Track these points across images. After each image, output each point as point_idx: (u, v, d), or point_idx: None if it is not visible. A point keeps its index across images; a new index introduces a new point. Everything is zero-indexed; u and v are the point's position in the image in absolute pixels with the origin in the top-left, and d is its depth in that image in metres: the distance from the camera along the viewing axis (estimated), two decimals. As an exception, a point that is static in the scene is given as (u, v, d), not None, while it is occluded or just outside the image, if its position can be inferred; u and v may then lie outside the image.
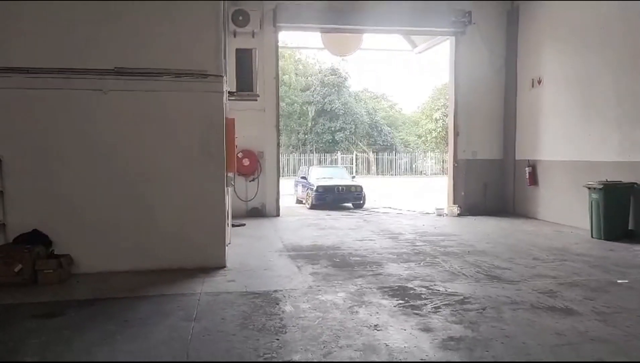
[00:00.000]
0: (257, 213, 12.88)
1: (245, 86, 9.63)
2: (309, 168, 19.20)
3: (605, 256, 7.85)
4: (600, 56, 10.26)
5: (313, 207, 15.41)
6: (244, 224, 11.14)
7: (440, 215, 13.31)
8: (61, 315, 5.02)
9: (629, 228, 9.30)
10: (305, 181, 16.85)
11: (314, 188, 15.61)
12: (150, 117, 6.85)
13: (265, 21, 12.49)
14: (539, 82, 12.29)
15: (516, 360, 3.94)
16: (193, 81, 6.85)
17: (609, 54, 10.03)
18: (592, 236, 9.49)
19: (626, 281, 6.32)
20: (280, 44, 13.49)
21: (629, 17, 9.48)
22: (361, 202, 15.97)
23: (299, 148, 41.36)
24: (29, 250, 6.15)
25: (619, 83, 9.77)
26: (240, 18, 12.03)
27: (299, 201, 17.39)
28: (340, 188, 15.75)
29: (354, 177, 18.80)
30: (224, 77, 7.29)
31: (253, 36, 12.27)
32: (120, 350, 4.11)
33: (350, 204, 16.03)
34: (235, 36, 11.98)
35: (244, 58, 9.68)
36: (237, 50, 9.78)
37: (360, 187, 16.07)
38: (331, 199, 15.51)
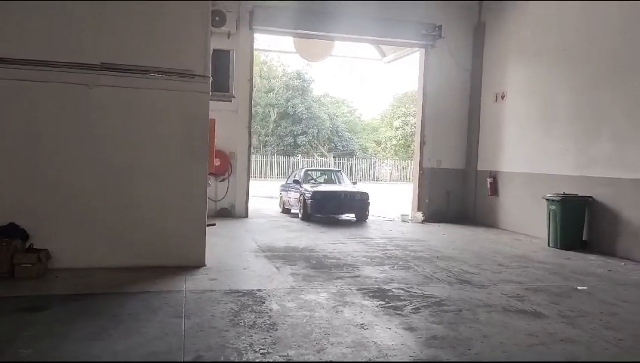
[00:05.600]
0: (227, 213, 12.92)
1: (220, 87, 9.68)
2: (301, 171, 15.91)
3: (563, 264, 8.36)
4: (562, 75, 10.87)
5: (305, 218, 12.86)
6: (214, 224, 11.14)
7: (405, 221, 13.72)
8: (47, 309, 4.99)
9: (583, 238, 9.90)
10: (298, 185, 13.87)
11: (310, 195, 12.76)
12: (134, 114, 6.86)
13: (242, 23, 12.60)
14: (502, 96, 12.89)
15: (497, 359, 4.23)
16: (180, 81, 6.90)
17: (570, 74, 10.64)
18: (548, 245, 10.05)
19: (585, 287, 6.79)
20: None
21: (591, 39, 10.08)
22: (367, 213, 13.26)
23: (260, 150, 41.33)
24: (7, 243, 6.05)
25: (578, 102, 10.38)
26: (217, 18, 12.05)
27: (287, 210, 14.64)
28: (343, 194, 13.14)
29: (354, 182, 15.64)
30: (210, 78, 7.38)
31: (229, 37, 12.36)
32: (117, 345, 4.15)
33: (352, 216, 13.41)
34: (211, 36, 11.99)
35: (222, 59, 9.74)
36: (215, 50, 9.80)
37: (367, 194, 13.27)
38: (332, 208, 12.90)
